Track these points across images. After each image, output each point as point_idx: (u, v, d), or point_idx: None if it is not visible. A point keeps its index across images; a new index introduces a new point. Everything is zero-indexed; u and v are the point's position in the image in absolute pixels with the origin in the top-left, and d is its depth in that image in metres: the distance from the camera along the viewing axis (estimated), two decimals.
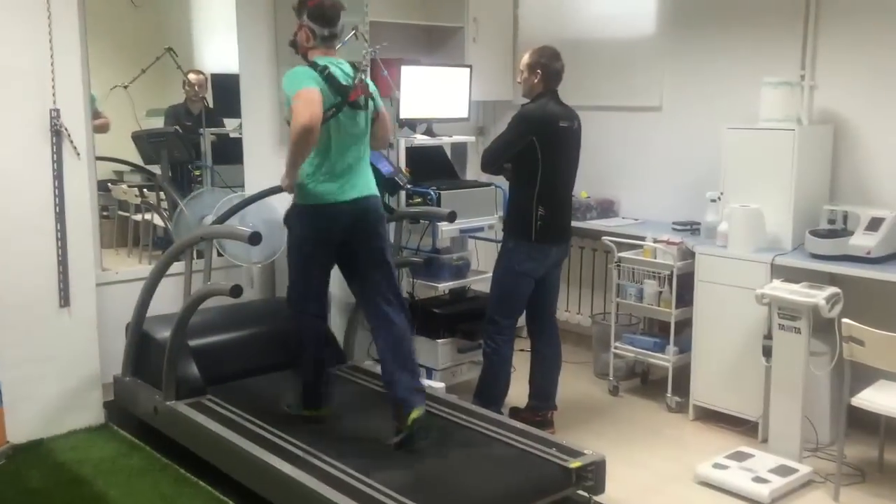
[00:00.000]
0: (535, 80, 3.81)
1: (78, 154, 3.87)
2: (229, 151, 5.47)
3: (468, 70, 4.64)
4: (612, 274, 4.59)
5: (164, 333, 3.91)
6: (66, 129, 3.80)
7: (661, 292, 4.42)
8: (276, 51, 4.88)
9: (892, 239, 3.72)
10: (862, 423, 3.70)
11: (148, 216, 5.46)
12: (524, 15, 5.65)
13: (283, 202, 4.35)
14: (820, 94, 4.19)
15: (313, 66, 3.30)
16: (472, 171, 5.00)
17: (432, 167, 4.52)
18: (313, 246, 3.39)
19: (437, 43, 5.47)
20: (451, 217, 3.82)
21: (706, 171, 4.66)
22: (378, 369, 3.58)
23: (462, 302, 4.45)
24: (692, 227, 4.59)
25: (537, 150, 3.71)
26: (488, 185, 4.41)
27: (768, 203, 4.01)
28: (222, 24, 5.52)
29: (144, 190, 5.53)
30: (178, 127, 5.47)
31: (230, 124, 5.47)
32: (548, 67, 3.79)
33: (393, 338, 3.41)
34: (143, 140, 5.42)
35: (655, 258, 4.43)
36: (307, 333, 3.52)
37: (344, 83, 3.31)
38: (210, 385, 3.86)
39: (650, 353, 4.48)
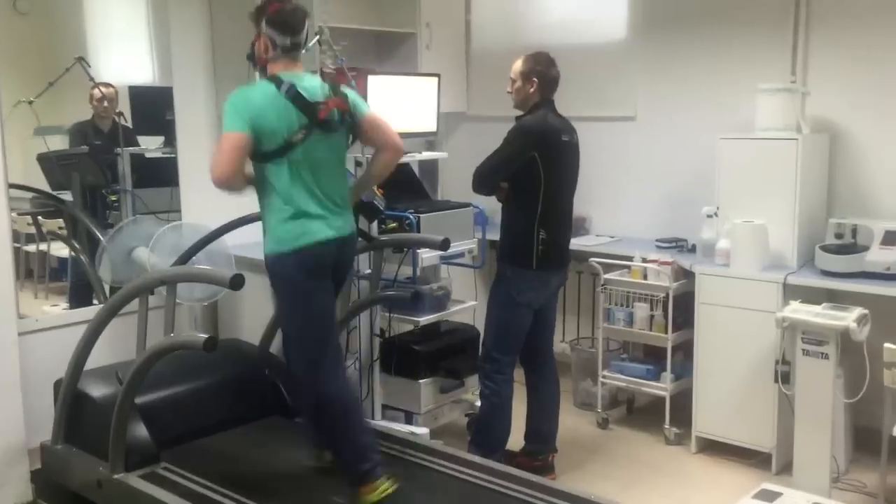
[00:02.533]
0: (531, 90, 3.43)
1: None
2: (151, 173, 4.87)
3: (436, 80, 4.22)
4: (599, 298, 4.24)
5: (105, 392, 3.35)
6: None
7: (653, 316, 4.11)
8: (213, 61, 4.33)
9: None
10: (870, 447, 3.53)
11: (43, 246, 4.87)
12: (476, 21, 5.29)
13: (238, 235, 3.87)
14: (812, 102, 3.97)
15: (274, 80, 2.80)
16: (446, 190, 4.57)
17: (401, 187, 4.06)
18: (303, 293, 2.87)
19: (386, 50, 5.04)
20: (445, 245, 3.38)
21: (687, 183, 4.42)
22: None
23: (441, 336, 4.02)
24: (678, 245, 4.31)
25: (539, 168, 3.33)
26: (466, 205, 3.99)
27: (770, 217, 3.76)
28: (127, 32, 4.93)
29: (39, 217, 4.87)
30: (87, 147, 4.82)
31: (149, 143, 4.87)
32: (544, 75, 3.42)
33: None
34: (50, 162, 4.74)
35: (645, 279, 4.12)
36: (335, 386, 2.97)
37: (311, 101, 2.83)
38: (163, 450, 3.29)
39: (643, 381, 4.16)
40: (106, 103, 4.86)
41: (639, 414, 4.44)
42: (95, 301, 4.40)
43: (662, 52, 4.49)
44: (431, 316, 3.82)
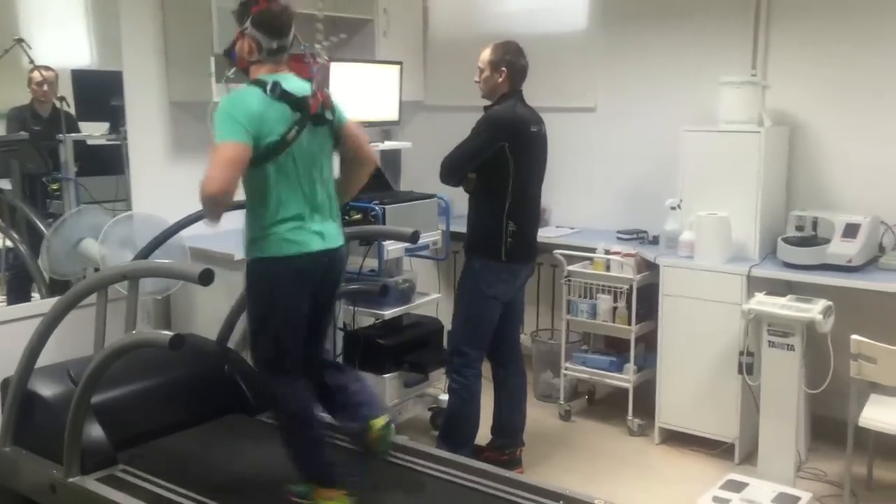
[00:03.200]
0: (500, 79, 3.37)
1: None
2: (95, 161, 4.67)
3: (398, 67, 4.13)
4: (562, 289, 4.22)
5: (57, 391, 3.20)
6: None
7: (616, 308, 4.10)
8: (164, 44, 4.16)
9: (870, 246, 3.59)
10: (829, 436, 3.60)
11: None
12: (434, 9, 5.20)
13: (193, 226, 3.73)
14: (772, 95, 4.01)
15: (258, 84, 2.68)
16: (405, 181, 4.48)
17: None
18: (281, 306, 2.74)
19: (310, 38, 4.91)
20: (415, 238, 3.30)
21: (648, 175, 4.44)
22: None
23: (405, 330, 3.94)
24: (639, 236, 4.31)
25: (508, 159, 3.28)
26: (430, 196, 3.92)
27: (732, 210, 3.78)
28: (63, 13, 4.70)
29: None
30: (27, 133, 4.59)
31: (92, 129, 4.66)
32: (513, 65, 3.36)
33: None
34: None
35: (608, 271, 4.11)
36: (296, 399, 2.86)
37: (300, 96, 2.72)
38: (120, 451, 3.15)
39: (606, 372, 4.16)
40: (46, 87, 4.63)
41: (600, 405, 4.44)
42: (35, 295, 4.20)
43: (623, 43, 4.48)
44: (396, 309, 3.75)
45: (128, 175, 4.27)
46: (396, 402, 3.82)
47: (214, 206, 2.57)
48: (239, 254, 3.78)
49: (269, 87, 2.64)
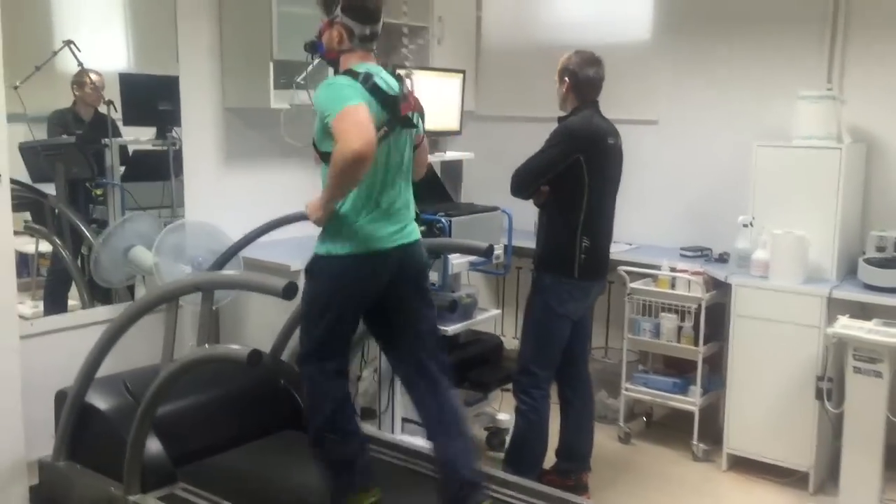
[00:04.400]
0: (564, 90, 3.26)
1: None
2: (141, 167, 4.58)
3: (461, 76, 4.02)
4: (624, 307, 4.08)
5: (114, 403, 3.09)
6: None
7: (681, 327, 3.96)
8: (220, 50, 4.06)
9: None
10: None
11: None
12: (487, 17, 5.10)
13: (235, 226, 3.69)
14: (848, 110, 3.86)
15: (351, 74, 2.58)
16: (466, 192, 4.36)
17: (423, 189, 3.84)
18: (345, 303, 2.65)
19: (396, 44, 4.80)
20: (490, 252, 3.18)
21: (712, 190, 4.30)
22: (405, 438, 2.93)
23: (465, 347, 3.81)
24: (703, 253, 4.17)
25: (584, 172, 3.15)
26: (494, 209, 3.80)
27: (808, 228, 3.64)
28: (100, 16, 4.62)
29: None
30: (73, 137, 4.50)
31: (137, 133, 4.58)
32: (576, 75, 3.24)
33: (439, 405, 2.75)
34: (34, 153, 4.40)
35: (673, 289, 3.97)
36: (329, 397, 2.75)
37: (392, 94, 2.62)
38: (179, 468, 3.04)
39: (670, 394, 4.01)
40: (90, 91, 4.55)
41: (658, 428, 4.30)
42: (72, 300, 4.10)
43: (687, 54, 4.36)
44: (459, 325, 3.62)
45: (180, 181, 4.17)
46: None
47: (358, 165, 2.40)
48: (295, 264, 3.69)
49: (361, 78, 2.54)
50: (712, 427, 4.02)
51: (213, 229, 3.87)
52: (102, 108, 4.31)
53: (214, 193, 4.07)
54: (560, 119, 3.28)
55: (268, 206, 4.26)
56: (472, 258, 3.62)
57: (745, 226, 3.77)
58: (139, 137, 4.62)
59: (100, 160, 4.52)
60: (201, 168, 4.03)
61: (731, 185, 4.15)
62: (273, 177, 4.30)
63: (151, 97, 4.40)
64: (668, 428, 4.23)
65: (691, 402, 3.91)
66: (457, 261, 3.53)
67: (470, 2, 5.05)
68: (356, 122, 2.41)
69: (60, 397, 3.19)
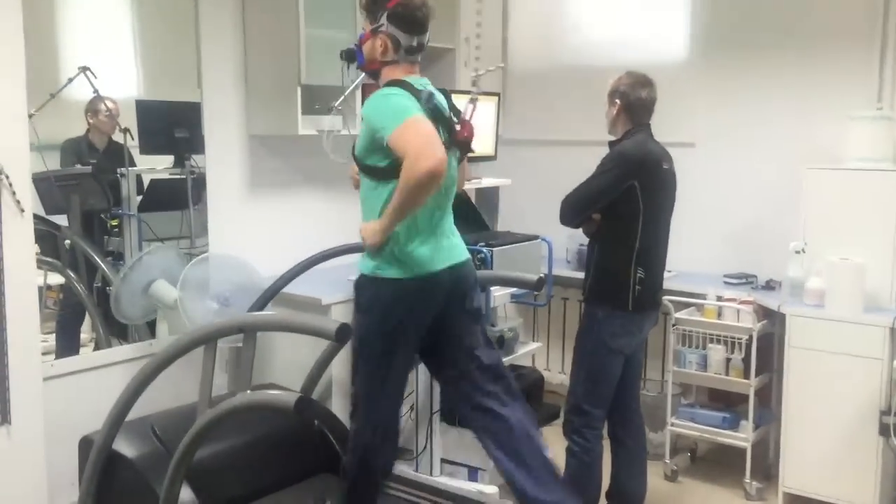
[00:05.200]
0: (615, 112, 3.10)
1: (22, 211, 2.78)
2: (158, 196, 4.41)
3: (496, 100, 3.86)
4: (668, 339, 3.90)
5: (142, 450, 2.93)
6: (6, 178, 2.71)
7: (729, 359, 3.78)
8: (244, 76, 3.91)
9: None
10: None
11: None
12: (513, 38, 4.96)
13: (261, 259, 3.58)
14: None
15: (407, 87, 2.43)
16: (502, 220, 4.19)
17: (459, 217, 3.68)
18: (402, 337, 2.49)
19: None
20: (540, 285, 3.02)
21: (754, 215, 4.15)
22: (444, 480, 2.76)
23: None
24: (748, 280, 4.00)
25: (638, 199, 2.99)
26: (534, 237, 3.63)
27: (863, 254, 3.47)
28: (108, 42, 4.47)
29: None
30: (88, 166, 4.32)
31: (154, 162, 4.41)
32: (627, 97, 3.09)
33: (514, 439, 2.57)
34: (48, 183, 4.22)
35: (720, 318, 3.80)
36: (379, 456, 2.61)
37: (448, 116, 2.48)
38: None
39: (718, 430, 3.82)
40: (106, 119, 4.39)
41: (703, 464, 4.11)
42: (85, 333, 3.93)
43: (725, 74, 4.21)
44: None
45: (199, 211, 4.01)
46: None
47: (431, 182, 2.28)
48: (326, 298, 3.52)
49: (424, 98, 2.38)
50: (762, 463, 3.83)
51: (240, 262, 3.70)
52: (117, 137, 4.15)
53: (239, 224, 3.91)
54: (611, 143, 3.12)
55: (294, 237, 4.11)
56: (513, 290, 3.45)
57: (798, 252, 3.60)
58: (156, 166, 4.46)
59: (115, 190, 4.36)
60: (225, 198, 3.87)
61: (776, 210, 4.01)
62: (300, 206, 4.15)
63: (168, 124, 4.24)
64: (714, 464, 4.04)
65: (743, 437, 3.73)
66: (498, 293, 3.36)
67: (496, 23, 4.91)
68: (426, 137, 2.27)
69: (85, 444, 3.02)
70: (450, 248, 2.57)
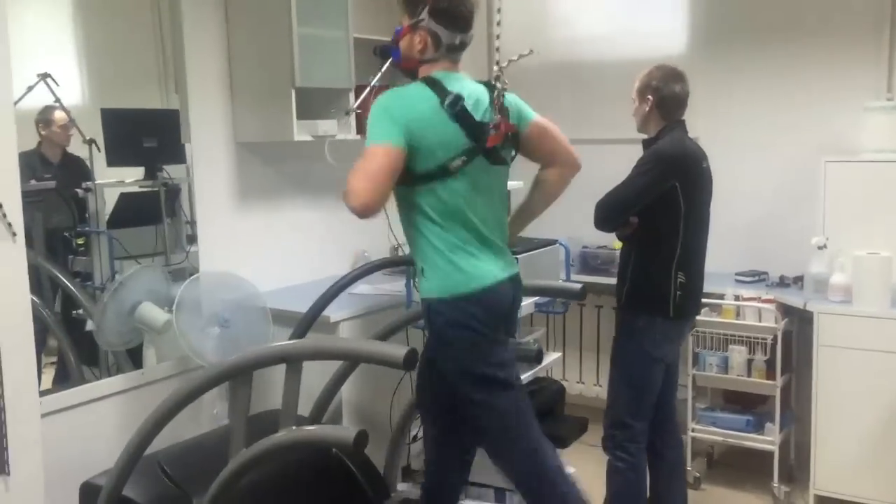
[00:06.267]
0: (647, 109, 2.94)
1: (14, 234, 2.47)
2: (127, 211, 4.10)
3: None
4: (689, 340, 3.77)
5: (152, 493, 2.66)
6: None
7: (751, 360, 3.67)
8: (230, 80, 3.63)
9: None
10: None
11: None
12: (502, 33, 4.75)
13: (254, 275, 3.37)
14: None
15: (434, 86, 2.22)
16: None
17: None
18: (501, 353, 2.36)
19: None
20: (582, 294, 2.83)
21: (763, 210, 4.04)
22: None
23: (532, 396, 3.42)
24: (760, 278, 3.90)
25: (679, 200, 2.83)
26: (553, 242, 3.46)
27: (887, 247, 3.39)
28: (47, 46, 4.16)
29: None
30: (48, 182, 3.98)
31: (121, 175, 4.10)
32: (660, 91, 2.93)
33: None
34: None
35: (738, 318, 3.69)
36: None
37: (479, 119, 2.27)
38: None
39: (743, 433, 3.70)
40: (60, 129, 4.04)
41: (723, 468, 3.99)
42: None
43: (726, 67, 4.10)
44: (528, 374, 3.25)
45: (174, 226, 3.73)
46: None
47: (365, 217, 2.17)
48: (334, 315, 3.30)
49: (448, 101, 2.18)
50: (785, 465, 3.73)
51: (238, 280, 3.44)
52: (72, 148, 3.82)
53: (229, 238, 3.64)
54: (646, 142, 2.96)
55: (289, 251, 3.87)
56: (538, 298, 3.28)
57: (820, 248, 3.50)
58: (124, 179, 4.14)
59: (79, 206, 4.02)
60: (213, 211, 3.59)
61: (786, 205, 3.93)
62: (294, 217, 3.90)
63: (137, 134, 3.93)
64: (734, 468, 3.93)
65: (769, 440, 3.62)
66: (524, 302, 3.16)
67: (480, 18, 4.70)
68: (368, 173, 2.14)
69: (89, 490, 2.72)
70: (504, 257, 2.39)
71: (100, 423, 3.16)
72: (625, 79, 4.00)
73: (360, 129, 3.71)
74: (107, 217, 3.85)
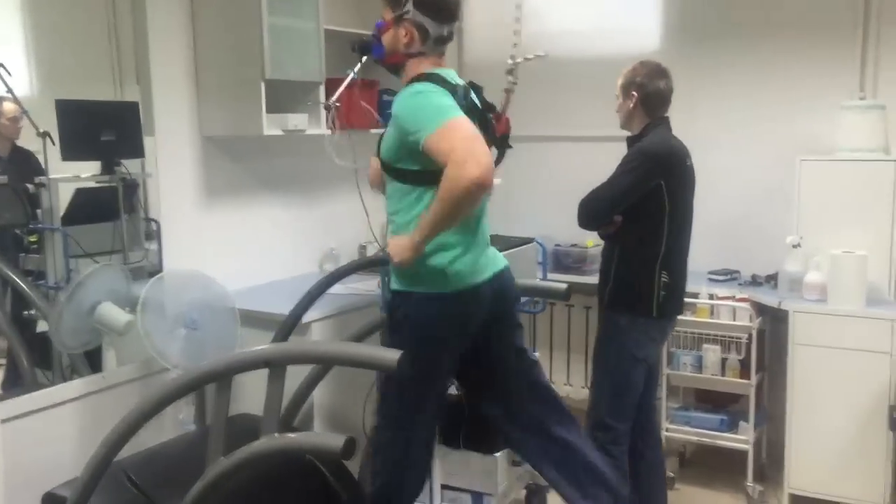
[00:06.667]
0: (631, 105, 2.90)
1: None
2: (83, 207, 3.94)
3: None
4: None
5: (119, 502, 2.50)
6: None
7: (725, 359, 3.66)
8: (195, 70, 3.49)
9: None
10: None
11: None
12: (469, 29, 4.70)
13: (221, 274, 3.24)
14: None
15: (439, 81, 2.15)
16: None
17: None
18: (441, 359, 2.22)
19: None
20: (568, 294, 2.77)
21: (735, 209, 4.04)
22: None
23: None
24: (733, 276, 3.90)
25: (664, 199, 2.80)
26: (529, 240, 3.40)
27: (860, 246, 3.40)
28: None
29: None
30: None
31: (71, 169, 3.93)
32: (644, 87, 2.89)
33: (574, 462, 2.34)
34: None
35: (711, 317, 3.67)
36: (411, 483, 2.35)
37: (480, 110, 2.22)
38: None
39: (717, 433, 3.69)
40: (9, 122, 3.86)
41: (694, 468, 3.98)
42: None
43: (700, 64, 4.08)
44: None
45: (132, 222, 3.59)
46: (504, 485, 3.23)
47: (477, 194, 2.03)
48: (305, 315, 3.18)
49: (460, 93, 2.11)
50: (758, 464, 3.73)
51: (206, 280, 3.31)
52: (23, 142, 3.64)
53: (194, 236, 3.50)
54: (630, 139, 2.91)
55: (258, 249, 3.75)
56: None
57: (795, 246, 3.50)
58: (80, 173, 3.96)
59: (31, 202, 3.84)
60: (177, 207, 3.45)
61: (757, 204, 3.93)
62: (263, 214, 3.79)
63: (94, 127, 3.77)
64: (707, 467, 3.92)
65: (743, 439, 3.61)
66: None
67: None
68: (471, 142, 2.01)
69: (51, 501, 2.58)
70: (490, 255, 2.31)
71: (60, 429, 3.01)
72: (598, 76, 4.00)
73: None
74: (61, 213, 3.68)
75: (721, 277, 3.88)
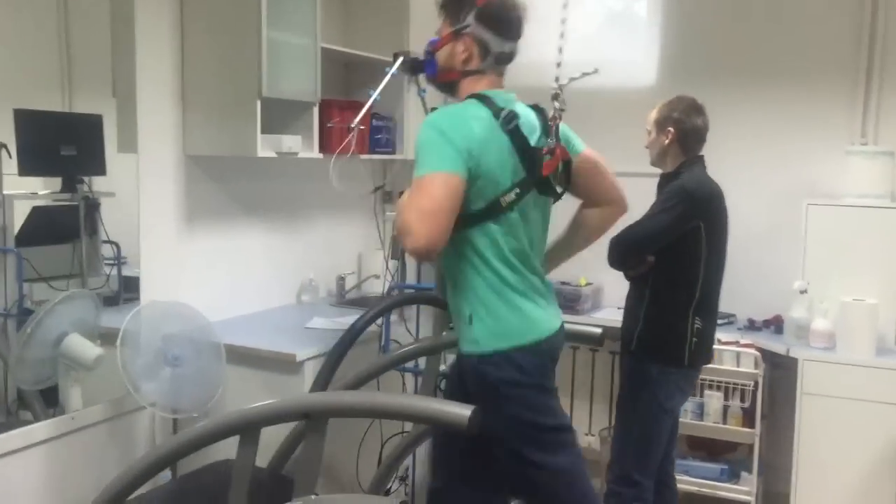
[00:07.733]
0: (667, 142, 2.77)
1: None
2: (41, 227, 3.61)
3: None
4: None
5: None
6: None
7: (727, 407, 3.55)
8: (181, 86, 3.22)
9: None
10: None
11: None
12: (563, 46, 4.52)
13: (204, 305, 3.00)
14: None
15: (485, 102, 1.96)
16: None
17: None
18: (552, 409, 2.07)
19: (356, 79, 4.13)
20: (602, 339, 2.59)
21: (731, 252, 3.91)
22: None
23: None
24: (729, 320, 3.81)
25: (702, 241, 2.67)
26: None
27: (868, 293, 3.36)
28: None
29: None
30: None
31: (27, 186, 3.60)
32: (682, 123, 2.77)
33: None
34: None
35: (715, 363, 3.55)
36: None
37: (534, 146, 2.01)
38: None
39: (717, 483, 3.57)
40: None
41: None
42: None
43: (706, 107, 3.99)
44: None
45: (93, 244, 3.30)
46: None
47: (423, 260, 2.07)
48: (300, 353, 2.95)
49: (503, 116, 1.92)
50: None
51: (190, 312, 3.02)
52: None
53: (169, 255, 3.21)
54: (664, 177, 2.78)
55: (236, 276, 3.48)
56: None
57: (802, 292, 3.43)
58: (37, 191, 3.62)
59: None
60: (157, 232, 3.15)
61: (757, 246, 3.84)
62: (250, 240, 3.53)
63: (55, 140, 3.46)
64: None
65: (746, 490, 3.50)
66: None
67: None
68: (428, 209, 1.82)
69: None
70: (552, 305, 2.13)
71: (26, 477, 2.68)
72: (597, 111, 3.88)
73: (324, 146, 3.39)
74: (15, 233, 3.34)
75: (719, 321, 3.76)
